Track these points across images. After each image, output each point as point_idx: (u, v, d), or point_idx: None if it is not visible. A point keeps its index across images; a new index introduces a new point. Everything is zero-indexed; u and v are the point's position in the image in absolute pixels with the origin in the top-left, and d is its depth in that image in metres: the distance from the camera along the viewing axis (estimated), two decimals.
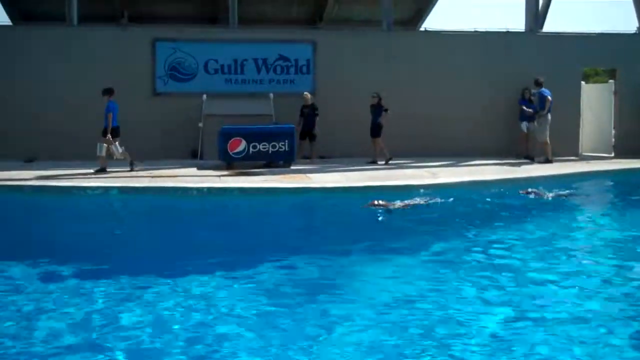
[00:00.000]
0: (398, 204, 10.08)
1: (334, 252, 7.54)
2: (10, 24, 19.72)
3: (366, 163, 15.02)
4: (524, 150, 16.32)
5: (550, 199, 10.99)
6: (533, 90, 16.22)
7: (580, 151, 17.52)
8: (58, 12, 17.11)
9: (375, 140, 15.35)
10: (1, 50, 15.82)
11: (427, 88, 16.83)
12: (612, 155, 17.35)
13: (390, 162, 15.01)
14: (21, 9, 19.97)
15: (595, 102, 18.05)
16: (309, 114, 15.68)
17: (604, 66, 20.72)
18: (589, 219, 10.27)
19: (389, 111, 15.30)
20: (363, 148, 15.43)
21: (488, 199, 11.04)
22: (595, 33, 17.95)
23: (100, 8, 19.16)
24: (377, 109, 15.31)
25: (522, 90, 16.47)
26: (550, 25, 18.16)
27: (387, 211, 9.86)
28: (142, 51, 16.19)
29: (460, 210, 10.23)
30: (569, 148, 17.00)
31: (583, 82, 18.52)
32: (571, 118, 17.45)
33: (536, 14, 17.74)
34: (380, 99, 15.31)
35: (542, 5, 18.07)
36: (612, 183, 13.96)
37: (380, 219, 9.58)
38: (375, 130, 15.32)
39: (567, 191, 11.70)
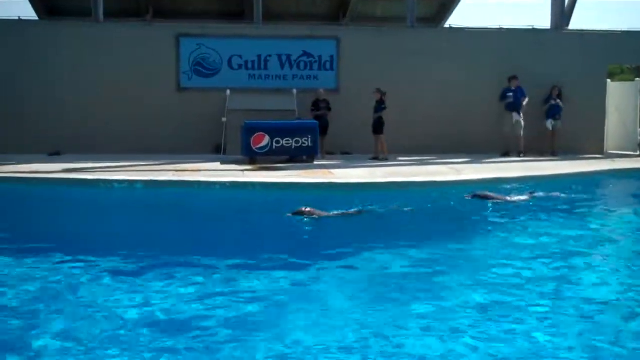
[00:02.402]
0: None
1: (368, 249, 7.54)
2: (37, 19, 19.92)
3: (368, 159, 15.00)
4: (549, 148, 16.21)
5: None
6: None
7: (605, 149, 17.36)
8: (84, 7, 17.26)
9: (377, 137, 15.29)
10: (27, 45, 15.99)
11: (450, 85, 16.76)
12: (638, 153, 17.19)
13: (383, 161, 14.91)
14: (47, 4, 20.16)
15: (621, 100, 17.87)
16: (325, 108, 15.69)
17: (630, 64, 20.52)
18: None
19: (386, 109, 15.21)
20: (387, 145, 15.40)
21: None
22: (621, 30, 17.78)
23: (126, 4, 19.30)
24: (378, 105, 15.25)
25: (550, 88, 16.39)
26: (576, 22, 17.93)
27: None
28: (167, 47, 16.30)
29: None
30: (594, 146, 16.86)
31: (609, 80, 18.35)
32: (597, 116, 17.30)
33: (562, 11, 17.60)
34: (382, 95, 15.22)
35: (568, 3, 17.91)
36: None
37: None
38: (377, 126, 15.26)
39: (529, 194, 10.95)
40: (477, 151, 16.08)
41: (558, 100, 16.39)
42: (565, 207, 10.12)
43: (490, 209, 9.89)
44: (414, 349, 4.68)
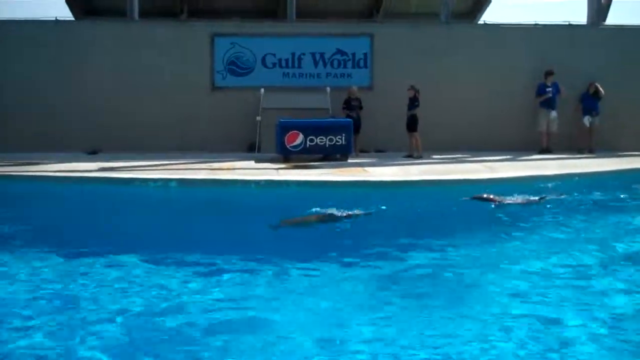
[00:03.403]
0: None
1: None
2: (73, 19, 20.17)
3: (402, 157, 14.93)
4: (586, 145, 16.00)
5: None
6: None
7: None
8: (119, 7, 17.44)
9: (411, 134, 15.21)
10: (64, 45, 16.22)
11: (485, 82, 16.63)
12: None
13: (417, 159, 14.79)
14: (83, 5, 20.41)
15: None
16: (358, 107, 15.66)
17: None
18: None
19: (419, 107, 15.10)
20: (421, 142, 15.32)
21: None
22: None
23: (161, 3, 19.44)
24: (412, 102, 15.16)
25: (587, 84, 16.17)
26: (613, 18, 17.59)
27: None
28: (202, 46, 16.40)
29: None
30: (632, 143, 16.58)
31: None
32: (635, 112, 16.99)
33: (599, 6, 17.33)
34: (416, 92, 15.12)
35: None
36: None
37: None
38: (409, 123, 15.18)
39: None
40: (512, 148, 15.92)
41: (595, 97, 16.14)
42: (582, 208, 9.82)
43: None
44: None
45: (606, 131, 16.21)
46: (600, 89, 16.08)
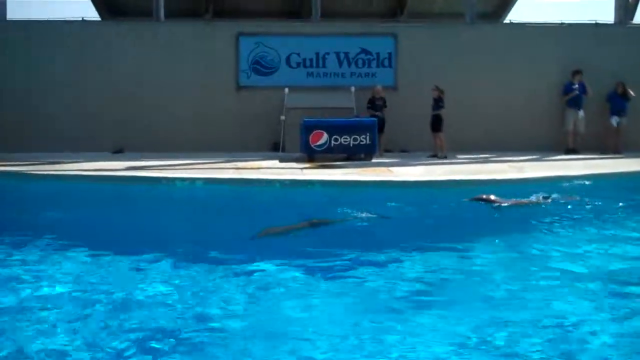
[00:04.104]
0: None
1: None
2: (99, 19, 20.34)
3: (427, 157, 14.88)
4: (613, 145, 15.84)
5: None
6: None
7: None
8: (145, 7, 17.56)
9: (436, 134, 15.14)
10: (90, 45, 16.36)
11: (510, 82, 16.54)
12: None
13: (442, 159, 14.70)
14: (109, 5, 20.58)
15: None
16: (382, 106, 15.64)
17: None
18: None
19: (444, 107, 15.02)
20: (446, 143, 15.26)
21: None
22: None
23: (186, 3, 19.54)
24: (436, 102, 15.09)
25: (614, 84, 16.02)
26: None
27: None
28: (227, 46, 16.47)
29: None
30: None
31: None
32: None
33: (626, 5, 17.16)
34: (441, 92, 15.05)
35: None
36: None
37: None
38: (434, 123, 15.11)
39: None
40: (537, 148, 15.82)
41: (624, 97, 15.99)
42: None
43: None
44: None
45: (633, 132, 16.05)
46: (630, 90, 15.91)
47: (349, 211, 9.08)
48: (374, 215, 9.01)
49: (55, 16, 19.43)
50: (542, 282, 6.09)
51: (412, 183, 11.54)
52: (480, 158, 14.83)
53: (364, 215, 8.99)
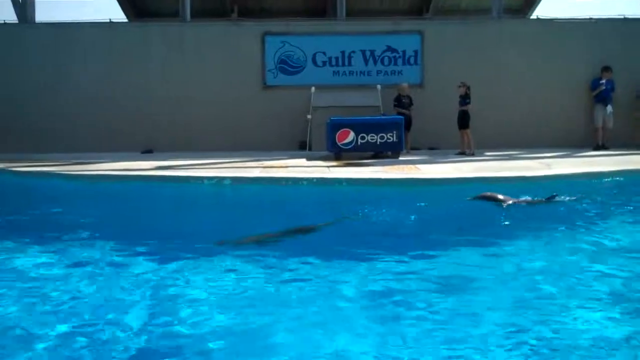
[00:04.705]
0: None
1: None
2: (126, 21, 20.55)
3: (454, 154, 14.82)
4: None
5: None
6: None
7: None
8: (171, 8, 17.72)
9: (463, 131, 15.07)
10: (118, 47, 16.55)
11: (537, 78, 16.44)
12: None
13: (470, 156, 14.61)
14: (136, 7, 20.77)
15: None
16: (408, 104, 15.60)
17: None
18: None
19: (470, 103, 14.93)
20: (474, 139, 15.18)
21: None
22: None
23: (211, 4, 19.67)
24: (462, 99, 15.01)
25: None
26: None
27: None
28: (253, 45, 16.56)
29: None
30: None
31: None
32: None
33: None
34: (467, 89, 14.96)
35: None
36: None
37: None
38: (461, 120, 15.04)
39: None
40: (566, 145, 15.73)
41: None
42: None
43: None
44: None
45: None
46: None
47: (341, 214, 8.75)
48: (368, 216, 8.68)
49: (83, 18, 19.66)
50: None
51: (440, 180, 11.46)
52: (508, 155, 14.73)
53: (357, 216, 8.65)
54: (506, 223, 8.56)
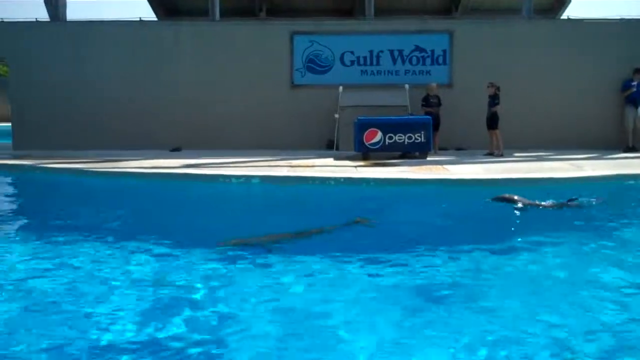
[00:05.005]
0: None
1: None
2: (156, 19, 20.70)
3: (483, 155, 14.71)
4: None
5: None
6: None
7: None
8: (200, 7, 17.80)
9: (492, 132, 14.94)
10: (147, 45, 16.66)
11: (567, 78, 16.26)
12: None
13: (499, 157, 14.48)
14: (165, 5, 20.92)
15: None
16: (437, 104, 15.52)
17: None
18: None
19: (499, 104, 14.78)
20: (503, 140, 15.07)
21: None
22: None
23: (240, 3, 19.74)
24: (491, 99, 14.89)
25: None
26: None
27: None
28: (281, 44, 16.58)
29: None
30: None
31: None
32: None
33: None
34: (496, 89, 14.83)
35: None
36: None
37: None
38: (490, 121, 14.92)
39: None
40: (595, 146, 15.56)
41: None
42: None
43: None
44: None
45: None
46: None
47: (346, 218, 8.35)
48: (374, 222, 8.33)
49: (113, 16, 19.84)
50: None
51: (468, 181, 11.40)
52: (538, 156, 14.61)
53: (365, 221, 8.27)
54: (514, 227, 8.47)
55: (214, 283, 5.97)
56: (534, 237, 7.62)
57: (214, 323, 5.00)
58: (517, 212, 8.94)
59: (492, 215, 9.04)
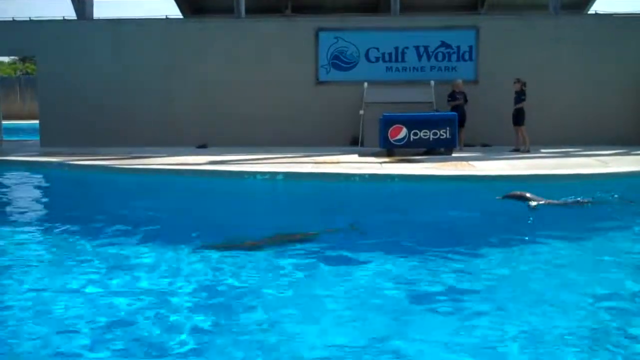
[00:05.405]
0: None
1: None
2: (182, 17, 20.82)
3: (509, 151, 14.60)
4: None
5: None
6: None
7: None
8: (226, 4, 17.87)
9: (518, 128, 14.82)
10: (173, 43, 16.77)
11: (595, 74, 16.09)
12: None
13: (525, 153, 14.36)
14: (191, 3, 21.03)
15: None
16: (463, 100, 15.44)
17: None
18: None
19: (525, 100, 14.65)
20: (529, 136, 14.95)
21: None
22: None
23: (265, 0, 19.78)
24: (518, 95, 14.76)
25: None
26: None
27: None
28: (306, 41, 16.59)
29: None
30: None
31: None
32: None
33: None
34: (522, 85, 14.70)
35: None
36: None
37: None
38: (516, 117, 14.80)
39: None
40: (622, 142, 15.40)
41: None
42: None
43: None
44: None
45: None
46: None
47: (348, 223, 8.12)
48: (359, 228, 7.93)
49: (139, 15, 20.00)
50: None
51: (494, 177, 11.33)
52: (564, 152, 14.48)
53: (355, 228, 7.89)
54: (524, 225, 8.37)
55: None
56: (573, 234, 7.60)
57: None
58: (531, 210, 8.84)
59: (516, 213, 8.98)
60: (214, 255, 6.70)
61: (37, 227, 8.48)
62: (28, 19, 17.64)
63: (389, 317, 5.07)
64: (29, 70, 44.55)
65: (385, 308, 5.25)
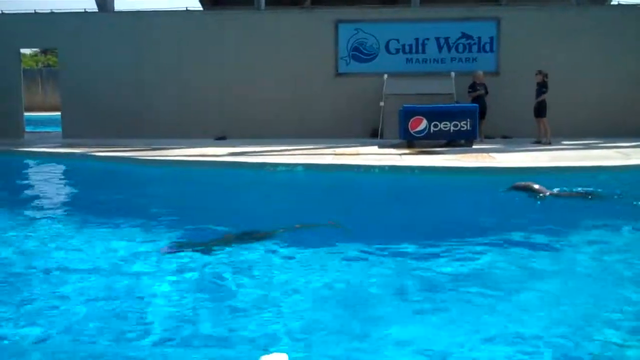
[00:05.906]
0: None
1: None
2: (201, 9, 20.85)
3: (530, 143, 14.50)
4: None
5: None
6: None
7: None
8: None
9: (539, 120, 14.71)
10: (193, 34, 16.80)
11: (618, 65, 15.92)
12: None
13: (546, 145, 14.25)
14: None
15: None
16: (484, 92, 15.35)
17: None
18: None
19: (547, 91, 14.53)
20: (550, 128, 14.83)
21: None
22: None
23: None
24: (539, 87, 14.64)
25: None
26: None
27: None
28: (326, 33, 16.56)
29: None
30: None
31: None
32: None
33: None
34: (544, 77, 14.57)
35: None
36: None
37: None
38: (538, 109, 14.68)
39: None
40: None
41: None
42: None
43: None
44: None
45: None
46: None
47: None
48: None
49: (160, 6, 20.07)
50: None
51: (515, 170, 11.27)
52: (585, 144, 14.37)
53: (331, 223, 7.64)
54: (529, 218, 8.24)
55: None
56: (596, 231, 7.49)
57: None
58: (538, 202, 8.78)
59: (539, 206, 8.93)
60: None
61: (73, 217, 8.55)
62: (50, 11, 17.76)
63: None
64: (51, 63, 44.85)
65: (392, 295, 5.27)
